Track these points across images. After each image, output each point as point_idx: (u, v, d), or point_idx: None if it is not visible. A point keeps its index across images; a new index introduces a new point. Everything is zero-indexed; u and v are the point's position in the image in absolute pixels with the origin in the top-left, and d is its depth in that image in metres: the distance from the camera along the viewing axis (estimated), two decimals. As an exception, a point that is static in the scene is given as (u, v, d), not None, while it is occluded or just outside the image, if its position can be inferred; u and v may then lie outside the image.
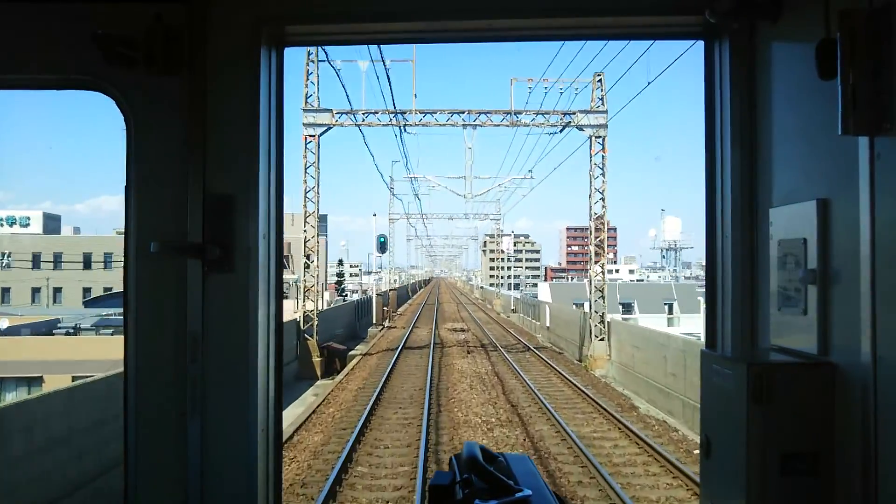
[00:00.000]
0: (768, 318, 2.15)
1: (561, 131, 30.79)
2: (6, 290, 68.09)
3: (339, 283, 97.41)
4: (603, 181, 29.98)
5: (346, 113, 30.12)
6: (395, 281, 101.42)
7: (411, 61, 31.27)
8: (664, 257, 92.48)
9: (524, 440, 15.87)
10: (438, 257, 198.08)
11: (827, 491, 1.83)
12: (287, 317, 22.06)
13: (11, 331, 36.58)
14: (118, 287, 61.18)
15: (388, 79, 39.18)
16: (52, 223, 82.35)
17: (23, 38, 2.16)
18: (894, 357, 1.59)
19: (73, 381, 19.69)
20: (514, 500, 1.46)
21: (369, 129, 30.92)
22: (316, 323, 29.71)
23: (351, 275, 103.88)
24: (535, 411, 19.08)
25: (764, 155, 2.19)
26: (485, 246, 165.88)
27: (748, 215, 2.24)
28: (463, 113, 30.32)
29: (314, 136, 29.86)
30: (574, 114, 29.88)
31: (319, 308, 32.93)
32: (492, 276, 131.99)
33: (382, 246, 46.16)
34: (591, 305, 29.95)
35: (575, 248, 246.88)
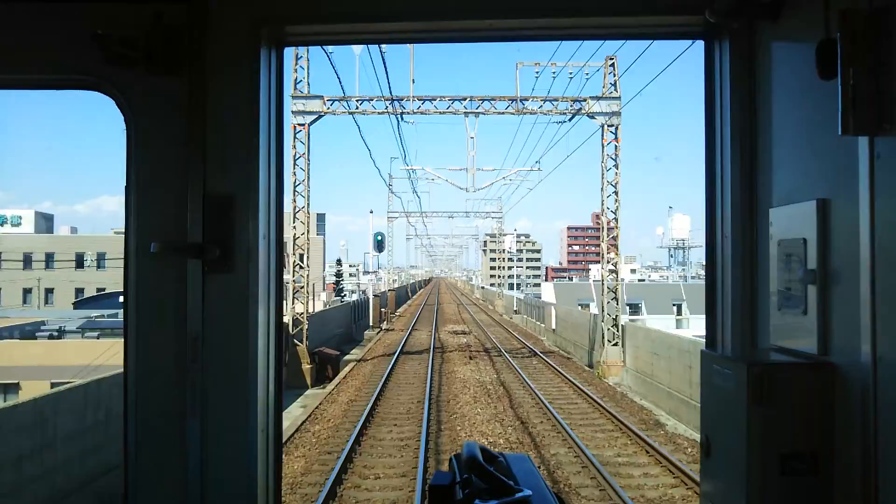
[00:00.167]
0: (768, 318, 2.15)
1: (570, 119, 28.53)
2: (-3, 291, 66.46)
3: (337, 283, 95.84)
4: (616, 173, 27.68)
5: (339, 100, 27.86)
6: (395, 281, 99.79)
7: (409, 44, 29.04)
8: (672, 256, 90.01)
9: (538, 468, 13.62)
10: (438, 257, 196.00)
11: (827, 491, 1.84)
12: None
13: (-7, 334, 34.82)
14: (111, 288, 60.34)
15: (384, 64, 36.73)
16: (44, 222, 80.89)
17: (23, 38, 2.15)
18: (894, 357, 1.60)
19: (51, 387, 17.84)
20: (514, 500, 1.44)
21: (365, 122, 28.89)
22: (305, 327, 27.42)
23: (350, 275, 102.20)
24: (548, 429, 16.83)
25: (764, 155, 2.20)
26: (485, 245, 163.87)
27: (748, 215, 2.24)
28: (465, 100, 28.04)
29: (304, 125, 27.58)
30: (585, 100, 27.59)
31: (310, 310, 30.68)
32: (492, 276, 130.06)
33: (379, 244, 43.79)
34: (602, 308, 27.67)
35: (576, 248, 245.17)
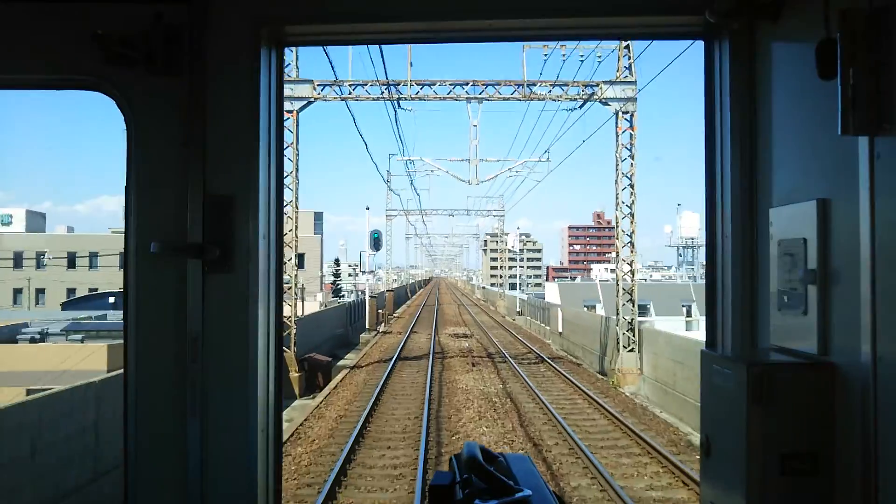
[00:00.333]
0: (768, 318, 2.15)
1: (581, 106, 26.28)
2: (-15, 291, 64.86)
3: (335, 283, 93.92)
4: (632, 164, 25.37)
5: (330, 84, 25.62)
6: (395, 281, 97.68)
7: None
8: (681, 255, 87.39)
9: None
10: (438, 257, 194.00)
11: (827, 491, 1.83)
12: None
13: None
14: (104, 288, 58.42)
15: (380, 48, 34.36)
16: (35, 221, 79.21)
17: (23, 38, 2.16)
18: (894, 357, 1.60)
19: (27, 394, 16.38)
20: (514, 500, 1.44)
21: (361, 114, 26.69)
22: (293, 332, 25.16)
23: (349, 274, 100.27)
24: (564, 453, 14.61)
25: (764, 155, 2.20)
26: (485, 245, 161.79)
27: (748, 215, 2.25)
28: (467, 84, 25.80)
29: (292, 111, 25.32)
30: (597, 85, 25.32)
31: (300, 313, 28.46)
32: (493, 276, 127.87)
33: (376, 242, 41.45)
34: (617, 310, 25.40)
35: (577, 248, 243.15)
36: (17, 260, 66.93)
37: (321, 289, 77.42)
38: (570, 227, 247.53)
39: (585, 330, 31.45)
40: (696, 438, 16.51)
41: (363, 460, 14.06)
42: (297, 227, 26.33)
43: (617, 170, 25.54)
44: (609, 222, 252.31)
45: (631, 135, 25.30)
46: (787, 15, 2.00)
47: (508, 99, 25.90)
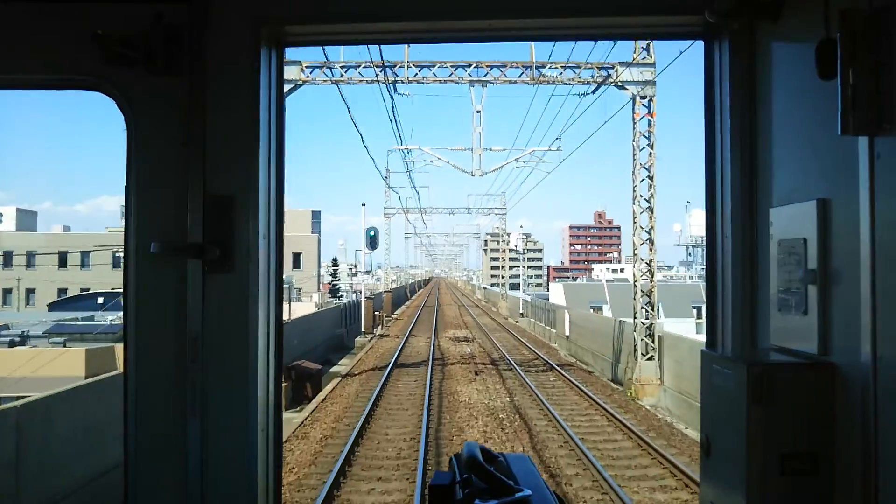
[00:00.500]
0: (768, 318, 2.15)
1: (595, 91, 24.03)
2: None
3: (332, 283, 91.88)
4: (650, 154, 23.12)
5: (320, 66, 23.38)
6: (394, 281, 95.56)
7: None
8: (690, 255, 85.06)
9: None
10: (438, 256, 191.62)
11: (827, 491, 1.83)
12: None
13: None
14: (95, 288, 56.31)
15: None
16: (27, 219, 77.41)
17: (23, 38, 2.17)
18: (894, 357, 1.59)
19: None
20: (514, 500, 1.43)
21: (356, 103, 24.26)
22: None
23: (348, 274, 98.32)
24: (588, 485, 12.38)
25: (764, 155, 2.20)
26: (486, 245, 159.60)
27: (748, 215, 2.25)
28: (470, 66, 23.54)
29: (278, 95, 23.09)
30: (613, 66, 23.05)
31: (288, 316, 26.24)
32: (493, 277, 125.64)
33: (373, 241, 39.19)
34: (635, 314, 23.15)
35: (578, 248, 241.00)
36: (7, 259, 65.16)
37: (318, 289, 75.24)
38: (571, 227, 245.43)
39: (595, 334, 29.21)
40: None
41: (348, 496, 11.82)
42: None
43: (634, 160, 23.26)
44: (611, 222, 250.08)
45: (650, 122, 23.04)
46: (787, 15, 2.02)
47: (515, 82, 23.64)
